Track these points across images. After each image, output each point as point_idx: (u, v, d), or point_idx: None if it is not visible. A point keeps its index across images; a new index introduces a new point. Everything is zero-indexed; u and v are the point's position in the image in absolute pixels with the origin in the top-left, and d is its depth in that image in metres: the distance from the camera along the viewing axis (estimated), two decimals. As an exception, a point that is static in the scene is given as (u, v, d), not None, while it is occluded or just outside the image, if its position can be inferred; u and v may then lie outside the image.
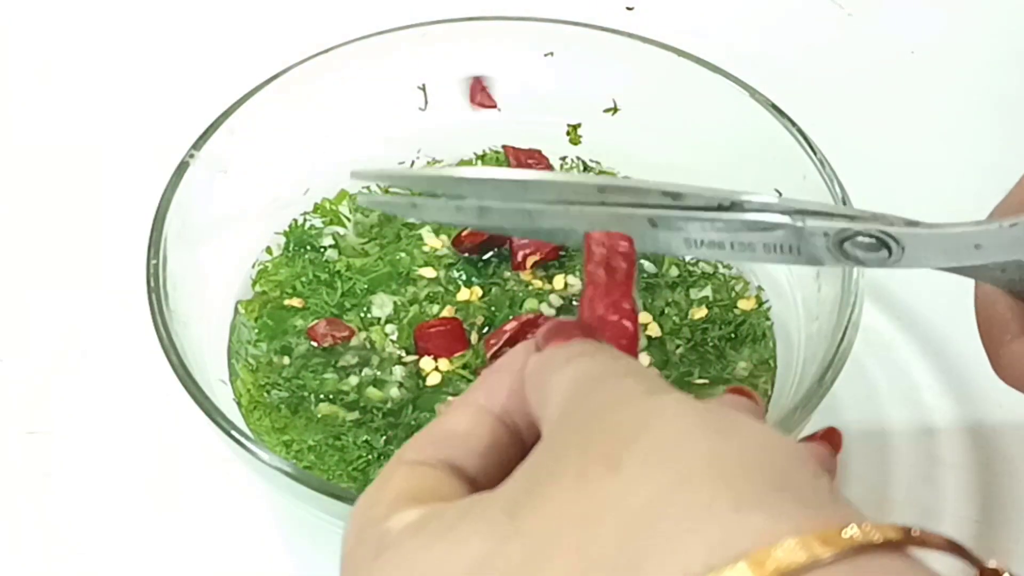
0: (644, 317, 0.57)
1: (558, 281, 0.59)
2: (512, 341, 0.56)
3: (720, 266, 0.62)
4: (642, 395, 0.28)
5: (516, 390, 0.32)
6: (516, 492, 0.28)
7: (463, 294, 0.59)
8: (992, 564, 0.26)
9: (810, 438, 0.35)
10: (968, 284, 0.44)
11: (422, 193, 0.42)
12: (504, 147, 0.65)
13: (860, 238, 0.37)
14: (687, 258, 0.43)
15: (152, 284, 0.52)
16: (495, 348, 0.55)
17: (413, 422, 0.54)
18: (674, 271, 0.61)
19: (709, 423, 0.27)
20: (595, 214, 0.38)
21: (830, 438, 0.35)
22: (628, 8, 0.80)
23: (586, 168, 0.65)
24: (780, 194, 0.38)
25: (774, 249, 0.38)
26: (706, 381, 0.56)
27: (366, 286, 0.59)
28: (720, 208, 0.37)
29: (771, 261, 0.38)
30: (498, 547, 0.26)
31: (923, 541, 0.24)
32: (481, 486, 0.31)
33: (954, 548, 0.25)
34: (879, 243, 0.37)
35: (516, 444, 0.32)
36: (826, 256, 0.38)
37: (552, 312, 0.58)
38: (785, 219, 0.37)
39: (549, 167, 0.65)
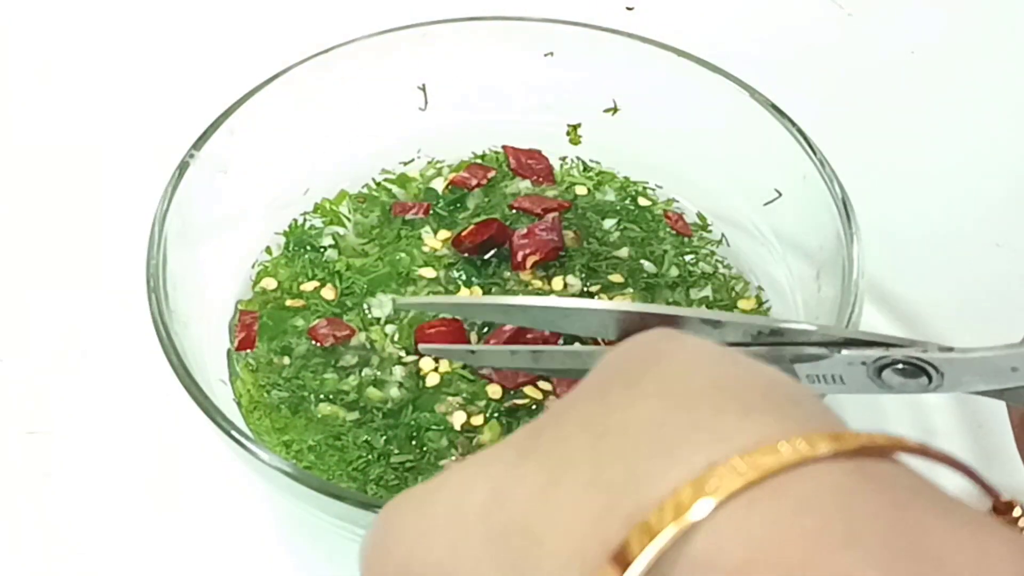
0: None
1: (557, 282, 0.59)
2: (512, 341, 0.56)
3: (720, 266, 0.62)
4: (664, 337, 0.29)
5: None
6: (542, 419, 0.28)
7: (463, 294, 0.59)
8: (1006, 497, 0.27)
9: None
10: (968, 282, 0.44)
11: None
12: (504, 147, 0.65)
13: (899, 365, 0.37)
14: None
15: (152, 284, 0.52)
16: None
17: (413, 422, 0.54)
18: (674, 271, 0.61)
19: (727, 354, 0.28)
20: None
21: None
22: (628, 8, 0.80)
23: (586, 168, 0.65)
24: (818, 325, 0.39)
25: (819, 379, 0.38)
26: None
27: (366, 286, 0.59)
28: (760, 336, 0.38)
29: (820, 391, 0.39)
30: (510, 475, 0.27)
31: (931, 454, 0.25)
32: None
33: (969, 472, 0.26)
34: (918, 370, 0.37)
35: None
36: (867, 385, 0.38)
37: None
38: (823, 350, 0.38)
39: (549, 167, 0.65)
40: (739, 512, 0.23)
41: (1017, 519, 0.27)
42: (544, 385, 0.55)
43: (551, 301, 0.39)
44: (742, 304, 0.60)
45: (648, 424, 0.25)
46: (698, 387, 0.26)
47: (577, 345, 0.40)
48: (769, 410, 0.25)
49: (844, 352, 0.38)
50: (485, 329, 0.57)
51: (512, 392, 0.55)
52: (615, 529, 0.24)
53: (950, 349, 0.37)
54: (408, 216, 0.63)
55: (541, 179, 0.64)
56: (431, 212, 0.63)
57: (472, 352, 0.45)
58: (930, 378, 0.37)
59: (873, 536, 0.22)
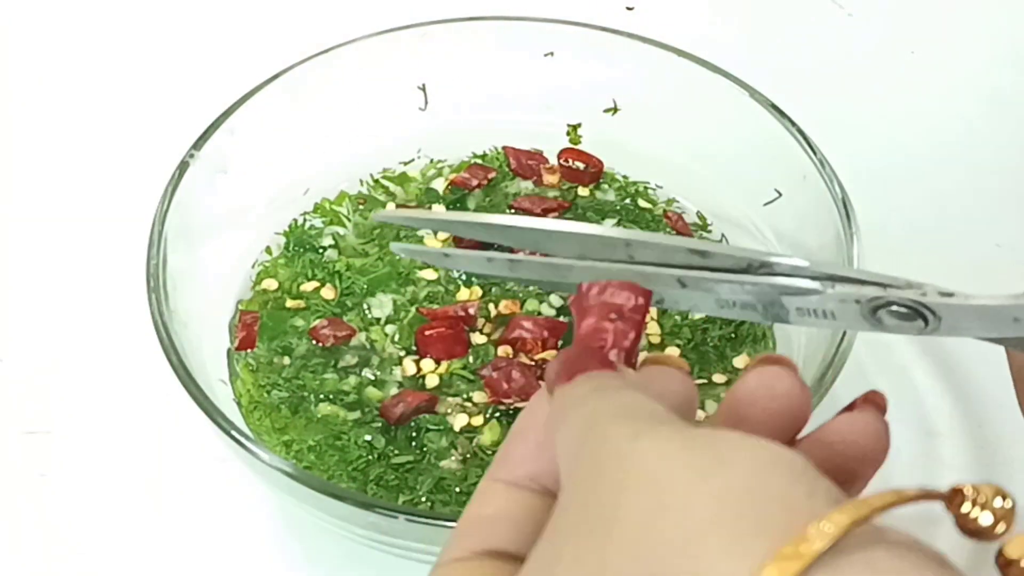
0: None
1: (558, 281, 0.59)
2: (513, 342, 0.57)
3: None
4: (624, 446, 0.27)
5: (538, 452, 0.31)
6: (531, 571, 0.27)
7: (463, 294, 0.59)
8: (946, 488, 0.26)
9: (850, 407, 0.34)
10: (968, 282, 0.44)
11: (446, 241, 0.40)
12: (504, 148, 0.65)
13: (895, 307, 0.36)
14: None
15: (152, 284, 0.52)
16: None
17: (413, 423, 0.54)
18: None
19: (689, 467, 0.26)
20: (623, 272, 0.37)
21: (873, 401, 0.34)
22: (628, 8, 0.80)
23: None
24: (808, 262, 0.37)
25: (808, 313, 0.37)
26: (705, 381, 0.56)
27: (366, 286, 0.59)
28: (749, 269, 0.36)
29: (807, 325, 0.37)
30: None
31: (877, 508, 0.24)
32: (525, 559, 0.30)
33: (913, 498, 0.25)
34: (914, 313, 0.36)
35: (551, 505, 0.30)
36: (860, 323, 0.37)
37: (552, 312, 0.58)
38: (815, 284, 0.36)
39: (549, 168, 0.65)
40: None
41: (974, 499, 0.26)
42: (543, 385, 0.55)
43: (535, 222, 0.38)
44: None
45: None
46: (672, 531, 0.24)
47: (555, 258, 0.38)
48: (744, 538, 0.24)
49: (838, 288, 0.36)
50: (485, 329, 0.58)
51: (502, 401, 0.55)
52: None
53: (950, 294, 0.35)
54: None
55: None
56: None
57: (446, 256, 0.42)
58: (926, 321, 0.36)
59: None
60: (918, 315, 0.36)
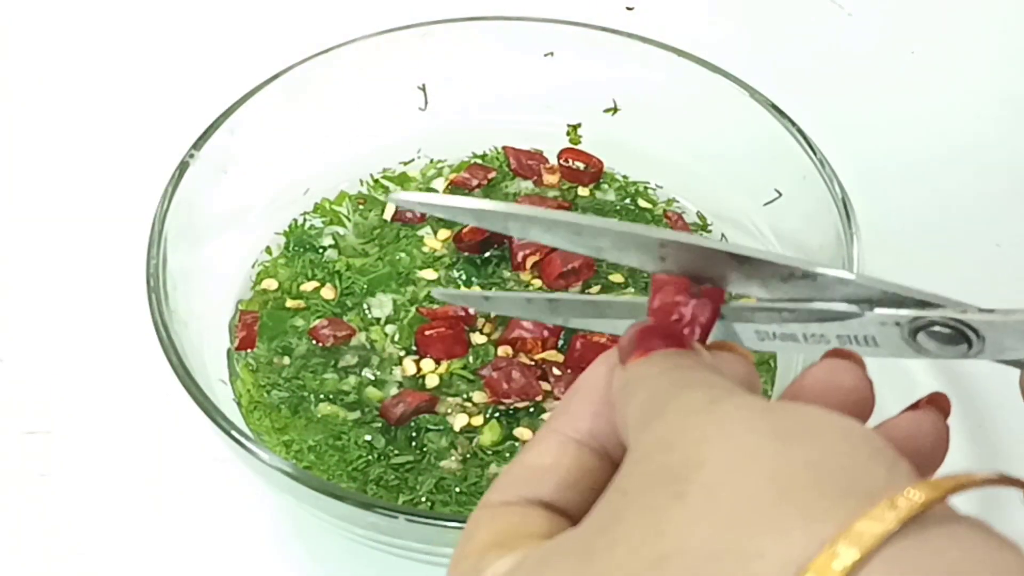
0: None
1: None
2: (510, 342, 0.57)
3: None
4: (704, 409, 0.27)
5: (600, 411, 0.31)
6: (590, 533, 0.27)
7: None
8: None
9: (914, 406, 0.34)
10: (969, 282, 0.44)
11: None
12: (504, 148, 0.65)
13: (936, 328, 0.34)
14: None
15: (152, 284, 0.52)
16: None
17: (413, 423, 0.54)
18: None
19: (771, 431, 0.26)
20: None
21: (937, 403, 0.34)
22: (628, 8, 0.80)
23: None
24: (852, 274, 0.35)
25: (850, 340, 0.35)
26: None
27: (366, 286, 0.59)
28: (792, 279, 0.34)
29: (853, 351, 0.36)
30: None
31: (959, 486, 0.24)
32: (575, 517, 0.30)
33: (996, 481, 0.25)
34: (957, 334, 0.34)
35: (607, 468, 0.31)
36: (902, 349, 0.35)
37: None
38: (853, 308, 0.35)
39: (549, 168, 0.65)
40: None
41: None
42: (543, 385, 0.55)
43: (560, 215, 0.35)
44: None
45: (705, 554, 0.24)
46: (747, 496, 0.25)
47: (596, 294, 0.36)
48: (818, 504, 0.24)
49: (876, 311, 0.34)
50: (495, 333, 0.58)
51: (502, 401, 0.55)
52: None
53: (991, 311, 0.34)
54: (406, 221, 0.63)
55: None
56: (428, 217, 0.63)
57: (486, 299, 0.41)
58: (970, 343, 0.34)
59: None
60: (960, 336, 0.34)
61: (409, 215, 0.63)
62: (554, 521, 0.30)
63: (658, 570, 0.24)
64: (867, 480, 0.25)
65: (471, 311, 0.58)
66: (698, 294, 0.34)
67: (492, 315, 0.58)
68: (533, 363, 0.56)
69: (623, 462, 0.28)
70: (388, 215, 0.63)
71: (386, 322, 0.58)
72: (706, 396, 0.28)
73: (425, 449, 0.54)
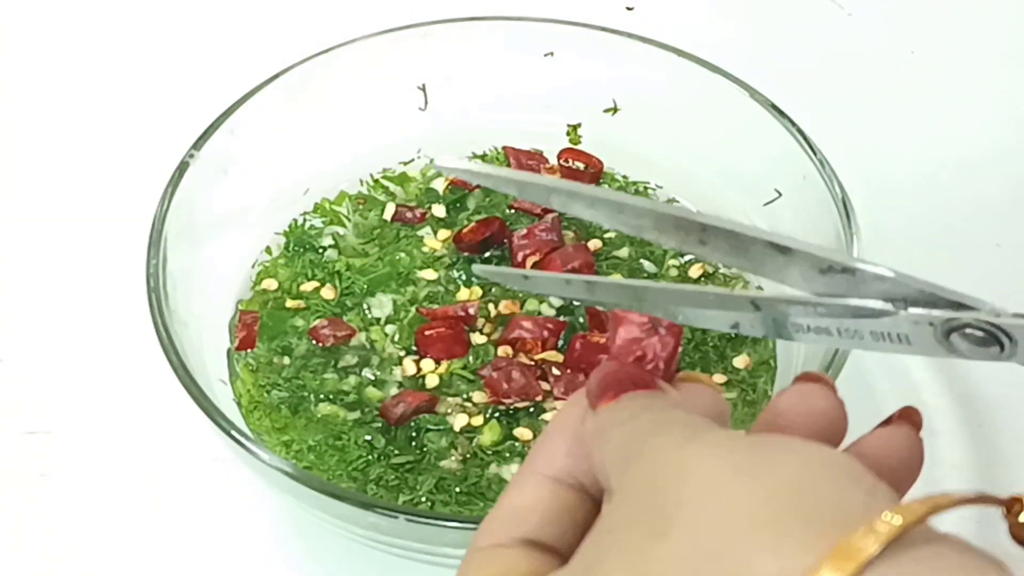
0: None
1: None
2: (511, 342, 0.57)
3: (720, 265, 0.62)
4: (679, 449, 0.28)
5: (573, 451, 0.32)
6: (577, 572, 0.28)
7: (463, 294, 0.59)
8: (1009, 496, 0.26)
9: (887, 422, 0.34)
10: (969, 282, 0.44)
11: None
12: (504, 148, 0.65)
13: (969, 330, 0.34)
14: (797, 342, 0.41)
15: (152, 284, 0.52)
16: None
17: (413, 423, 0.54)
18: (673, 271, 0.61)
19: (747, 466, 0.26)
20: (699, 295, 0.37)
21: (909, 417, 0.34)
22: (628, 8, 0.80)
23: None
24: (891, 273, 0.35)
25: (883, 337, 0.36)
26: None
27: (366, 286, 0.59)
28: (830, 271, 0.35)
29: (884, 350, 0.36)
30: None
31: (939, 507, 0.25)
32: (560, 552, 0.31)
33: (973, 500, 0.26)
34: (990, 337, 0.34)
35: (585, 502, 0.32)
36: (935, 348, 0.35)
37: (552, 312, 0.58)
38: (887, 306, 0.35)
39: (549, 168, 0.65)
40: None
41: None
42: (543, 384, 0.55)
43: (603, 192, 0.35)
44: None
45: None
46: (726, 532, 0.25)
47: (632, 280, 0.37)
48: (797, 534, 0.24)
49: (911, 311, 0.35)
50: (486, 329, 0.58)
51: (502, 401, 0.55)
52: None
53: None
54: (406, 221, 0.63)
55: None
56: (428, 217, 0.63)
57: (526, 278, 0.41)
58: (1002, 346, 0.34)
59: None
60: (993, 339, 0.34)
61: (409, 215, 0.63)
62: (542, 558, 0.30)
63: None
64: (846, 507, 0.25)
65: (471, 311, 0.58)
66: (658, 330, 0.35)
67: (492, 315, 0.58)
68: (533, 363, 0.56)
69: (605, 504, 0.29)
70: (388, 215, 0.63)
71: (386, 322, 0.58)
72: (680, 435, 0.28)
73: (425, 449, 0.54)
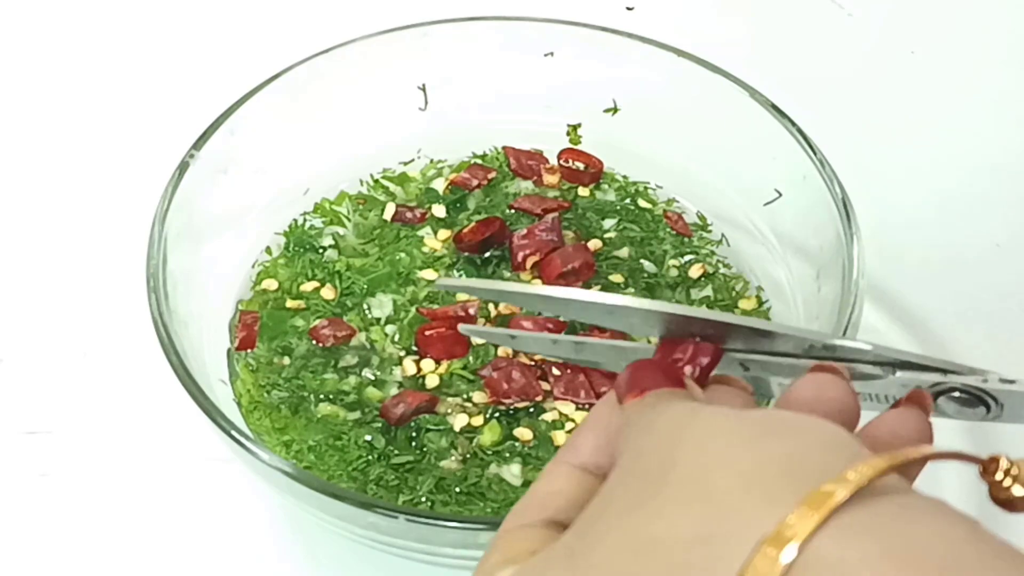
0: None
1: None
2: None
3: (721, 266, 0.62)
4: (683, 420, 0.29)
5: (601, 446, 0.33)
6: (575, 536, 0.29)
7: (463, 294, 0.59)
8: (986, 456, 0.28)
9: (895, 406, 0.35)
10: (969, 282, 0.44)
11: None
12: (504, 148, 0.65)
13: (956, 393, 0.36)
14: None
15: (152, 284, 0.52)
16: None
17: (413, 423, 0.54)
18: (673, 272, 0.61)
19: (741, 433, 0.28)
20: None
21: (918, 400, 0.35)
22: (628, 8, 0.80)
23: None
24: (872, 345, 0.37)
25: (870, 398, 0.37)
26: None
27: (366, 286, 0.59)
28: (812, 351, 0.37)
29: (870, 409, 0.37)
30: None
31: (909, 458, 0.26)
32: None
33: (946, 455, 0.27)
34: (976, 399, 0.36)
35: None
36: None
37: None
38: (877, 370, 0.36)
39: (549, 168, 0.65)
40: None
41: (1008, 470, 0.28)
42: (543, 384, 0.55)
43: (593, 296, 0.38)
44: (742, 304, 0.60)
45: (678, 541, 0.26)
46: (714, 489, 0.27)
47: (620, 341, 0.39)
48: (782, 491, 0.26)
49: (899, 375, 0.36)
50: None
51: (502, 401, 0.55)
52: None
53: (1012, 381, 0.36)
54: (406, 221, 0.63)
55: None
56: (428, 217, 0.63)
57: (513, 337, 0.44)
58: (988, 408, 0.36)
59: None
60: (979, 401, 0.36)
61: (409, 215, 0.63)
62: None
63: (636, 560, 0.26)
64: (828, 468, 0.26)
65: (471, 311, 0.58)
66: (699, 340, 0.36)
67: (492, 315, 0.58)
68: (533, 363, 0.56)
69: (608, 477, 0.30)
70: (388, 215, 0.63)
71: (386, 322, 0.58)
72: (687, 410, 0.30)
73: (425, 449, 0.54)
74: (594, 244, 0.61)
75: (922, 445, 0.27)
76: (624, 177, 0.65)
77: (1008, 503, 0.27)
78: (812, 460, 0.26)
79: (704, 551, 0.25)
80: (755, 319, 0.37)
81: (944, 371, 0.36)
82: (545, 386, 0.55)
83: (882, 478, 0.25)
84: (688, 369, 0.35)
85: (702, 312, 0.36)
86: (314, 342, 0.57)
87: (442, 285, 0.45)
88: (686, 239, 0.63)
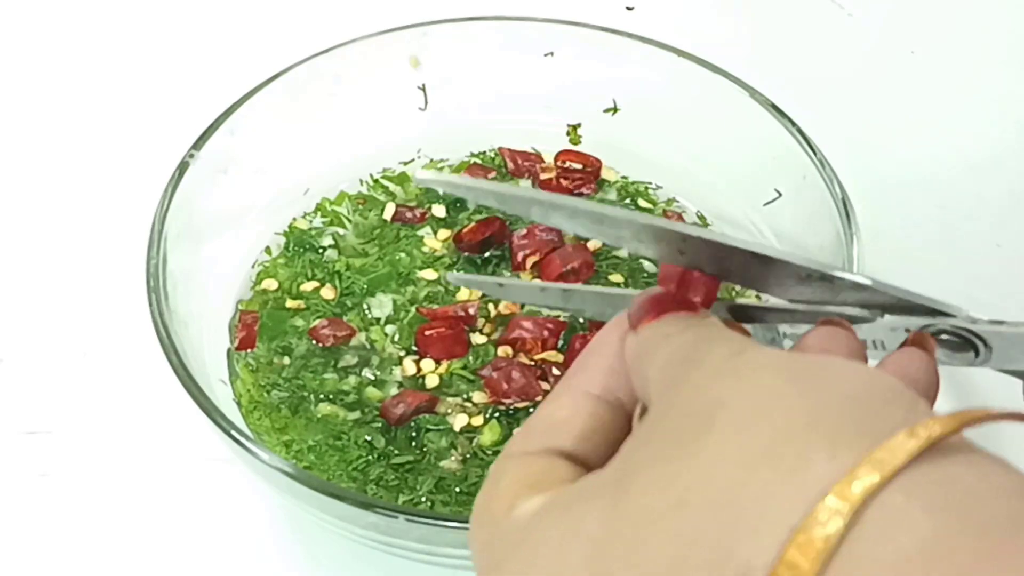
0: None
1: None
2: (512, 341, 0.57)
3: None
4: (728, 358, 0.28)
5: (614, 368, 0.32)
6: (620, 471, 0.28)
7: (463, 294, 0.59)
8: None
9: (900, 347, 0.34)
10: (969, 282, 0.44)
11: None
12: (500, 149, 0.65)
13: (944, 336, 0.35)
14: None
15: (152, 284, 0.52)
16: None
17: (413, 423, 0.54)
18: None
19: (794, 375, 0.27)
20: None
21: (921, 343, 0.34)
22: (628, 8, 0.80)
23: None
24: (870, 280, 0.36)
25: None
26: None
27: (366, 286, 0.59)
28: (809, 280, 0.35)
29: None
30: (607, 529, 0.26)
31: (975, 419, 0.25)
32: (593, 466, 0.31)
33: (1009, 416, 0.26)
34: (965, 343, 0.35)
35: (622, 420, 0.32)
36: None
37: (551, 312, 0.58)
38: (865, 313, 0.35)
39: (546, 168, 0.65)
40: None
41: None
42: (543, 384, 0.55)
43: (584, 204, 0.35)
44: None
45: (727, 487, 0.25)
46: (768, 432, 0.25)
47: (609, 288, 0.37)
48: (848, 438, 0.25)
49: (888, 317, 0.35)
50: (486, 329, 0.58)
51: (502, 401, 0.55)
52: None
53: (1001, 322, 0.35)
54: (406, 221, 0.63)
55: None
56: (428, 217, 0.63)
57: (500, 285, 0.42)
58: (977, 352, 0.35)
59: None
60: (968, 345, 0.35)
61: (409, 215, 0.63)
62: (577, 470, 0.31)
63: (683, 505, 0.25)
64: (888, 417, 0.25)
65: (471, 311, 0.58)
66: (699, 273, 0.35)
67: (492, 315, 0.58)
68: (533, 363, 0.56)
69: (648, 414, 0.29)
70: (388, 215, 0.63)
71: (386, 322, 0.58)
72: (729, 349, 0.29)
73: (425, 449, 0.54)
74: (594, 244, 0.61)
75: (991, 407, 0.26)
76: (624, 177, 0.65)
77: None
78: (875, 409, 0.26)
79: (758, 499, 0.24)
80: (753, 242, 0.36)
81: (934, 312, 0.35)
82: (545, 386, 0.55)
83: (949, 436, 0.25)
84: (695, 296, 0.34)
85: (695, 230, 0.34)
86: (314, 342, 0.57)
87: (423, 181, 0.41)
88: (686, 239, 0.63)
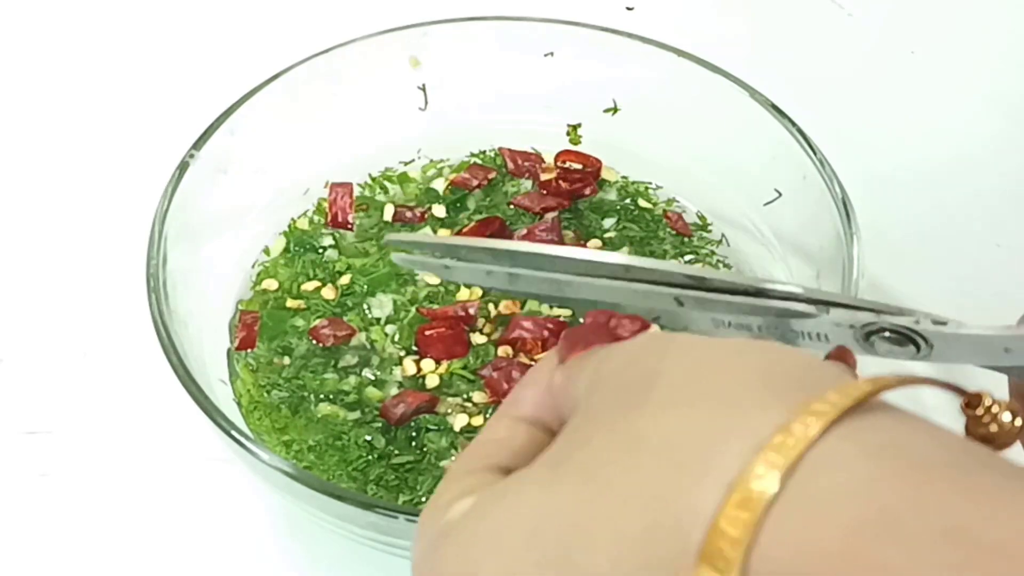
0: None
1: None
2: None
3: (721, 266, 0.62)
4: (658, 343, 0.30)
5: (543, 400, 0.34)
6: (556, 451, 0.30)
7: (463, 294, 0.59)
8: (973, 390, 0.29)
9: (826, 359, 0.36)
10: (969, 282, 0.44)
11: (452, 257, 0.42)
12: (500, 149, 0.65)
13: (888, 333, 0.37)
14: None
15: (152, 284, 0.52)
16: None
17: (413, 423, 0.54)
18: (674, 271, 0.61)
19: (727, 347, 0.29)
20: (622, 289, 0.38)
21: (842, 357, 0.35)
22: (628, 8, 0.80)
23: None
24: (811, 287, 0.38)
25: (803, 336, 0.38)
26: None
27: (366, 286, 0.59)
28: (745, 294, 0.37)
29: (809, 348, 0.38)
30: (548, 495, 0.28)
31: (908, 382, 0.27)
32: None
33: (938, 384, 0.29)
34: (906, 339, 0.37)
35: (552, 440, 0.34)
36: (854, 347, 0.37)
37: (552, 312, 0.58)
38: (809, 308, 0.37)
39: (546, 168, 0.65)
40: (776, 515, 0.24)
41: (989, 408, 0.28)
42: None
43: (535, 248, 0.39)
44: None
45: (671, 442, 0.26)
46: (707, 393, 0.27)
47: (554, 274, 0.39)
48: (786, 394, 0.26)
49: (832, 313, 0.37)
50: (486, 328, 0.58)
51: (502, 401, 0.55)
52: (662, 540, 0.25)
53: (943, 323, 0.37)
54: (406, 221, 0.63)
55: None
56: (428, 217, 0.63)
57: (447, 268, 0.44)
58: (918, 348, 0.37)
59: (908, 524, 0.23)
60: (910, 341, 0.37)
61: (409, 215, 0.63)
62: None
63: (627, 456, 0.27)
64: (821, 379, 0.27)
65: (471, 311, 0.58)
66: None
67: (492, 315, 0.58)
68: (533, 363, 0.56)
69: (583, 403, 0.31)
70: (388, 215, 0.63)
71: (386, 322, 0.58)
72: (661, 334, 0.31)
73: (425, 449, 0.54)
74: (594, 244, 0.61)
75: (912, 374, 0.28)
76: (624, 177, 0.65)
77: (984, 438, 0.28)
78: (808, 372, 0.28)
79: (700, 452, 0.26)
80: (688, 266, 0.38)
81: (877, 311, 0.37)
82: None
83: (874, 397, 0.27)
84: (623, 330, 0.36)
85: (636, 260, 0.37)
86: (314, 342, 0.57)
87: (391, 240, 0.44)
88: (686, 239, 0.63)
